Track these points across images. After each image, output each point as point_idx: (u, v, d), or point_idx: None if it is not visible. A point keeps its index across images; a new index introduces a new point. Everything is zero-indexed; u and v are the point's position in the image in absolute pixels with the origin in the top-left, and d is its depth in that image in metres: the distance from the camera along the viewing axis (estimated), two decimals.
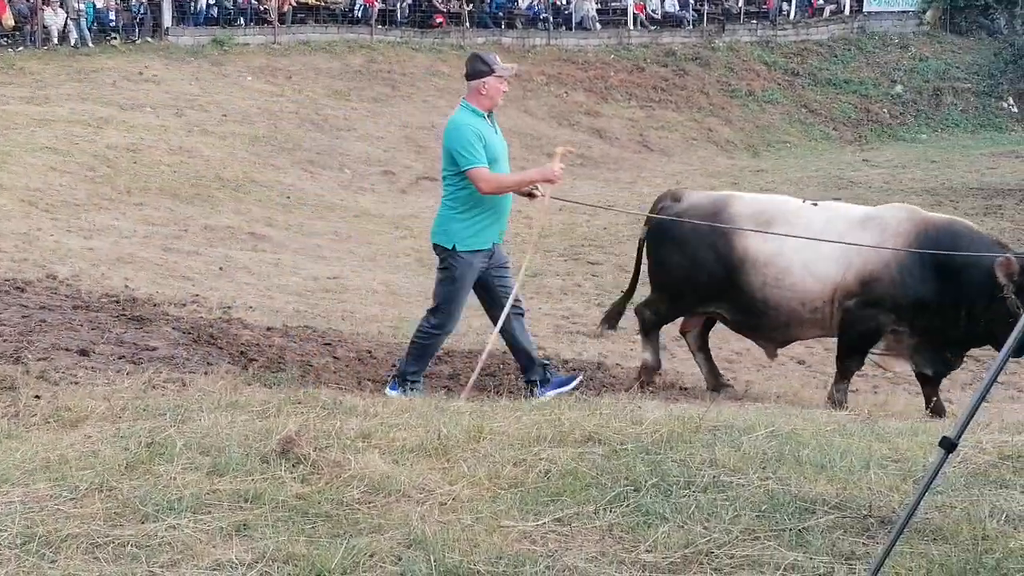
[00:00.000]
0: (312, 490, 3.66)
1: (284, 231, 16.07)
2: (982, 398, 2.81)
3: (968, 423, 2.78)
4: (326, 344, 8.24)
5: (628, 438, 4.30)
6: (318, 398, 4.94)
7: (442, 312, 6.37)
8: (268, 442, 4.04)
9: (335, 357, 7.66)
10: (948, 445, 2.75)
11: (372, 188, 20.68)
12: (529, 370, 6.64)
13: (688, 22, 32.73)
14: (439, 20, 30.14)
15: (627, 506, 3.55)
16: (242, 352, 7.34)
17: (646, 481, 3.75)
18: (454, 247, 6.21)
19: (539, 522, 3.43)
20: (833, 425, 4.80)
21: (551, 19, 31.31)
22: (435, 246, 6.38)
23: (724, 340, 11.60)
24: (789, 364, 11.05)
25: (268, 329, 8.53)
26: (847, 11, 34.07)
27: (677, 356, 10.95)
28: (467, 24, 30.39)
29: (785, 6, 33.89)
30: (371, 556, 3.14)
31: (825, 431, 4.59)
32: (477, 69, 6.25)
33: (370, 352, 8.16)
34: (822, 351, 11.56)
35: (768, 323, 7.38)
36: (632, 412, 4.82)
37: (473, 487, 3.75)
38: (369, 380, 6.92)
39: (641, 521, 3.43)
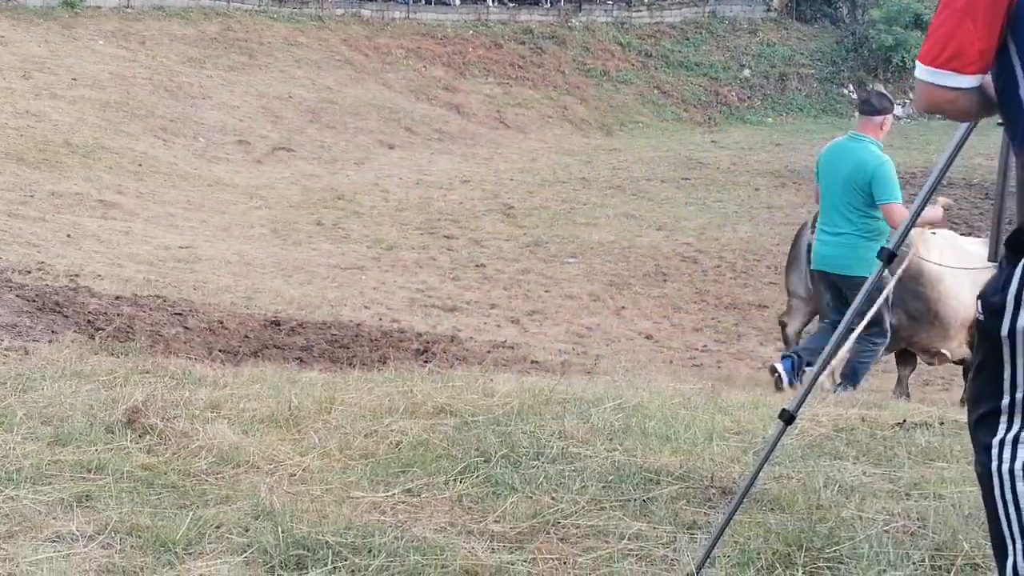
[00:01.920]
0: (158, 461, 3.58)
1: (135, 199, 15.59)
2: (820, 372, 2.93)
3: (806, 397, 2.89)
4: (177, 314, 8.06)
5: (479, 410, 4.34)
6: (167, 368, 4.83)
7: (878, 326, 6.75)
8: (114, 412, 3.94)
9: (186, 327, 7.51)
10: (787, 418, 2.84)
11: (227, 157, 20.21)
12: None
13: (546, 0, 32.92)
14: None
15: (477, 477, 3.58)
16: (89, 321, 7.12)
17: (496, 452, 3.79)
18: None
19: (389, 493, 3.44)
20: (678, 398, 4.93)
21: None
22: (847, 277, 6.63)
23: (575, 315, 11.81)
24: (637, 339, 11.32)
25: (117, 298, 8.30)
26: None
27: (529, 331, 11.09)
28: None
29: None
30: (218, 527, 3.09)
31: (670, 404, 4.72)
32: (884, 106, 6.62)
33: (222, 322, 8.01)
34: (669, 327, 11.89)
35: None
36: (484, 384, 4.86)
37: (323, 458, 3.73)
38: (220, 351, 6.80)
39: (490, 492, 3.47)
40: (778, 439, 2.89)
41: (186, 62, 24.80)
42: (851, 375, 6.91)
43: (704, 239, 15.95)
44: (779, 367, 6.94)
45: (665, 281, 13.76)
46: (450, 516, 3.29)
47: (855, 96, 31.51)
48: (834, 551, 2.95)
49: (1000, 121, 2.56)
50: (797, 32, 33.82)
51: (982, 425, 2.31)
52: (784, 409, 2.85)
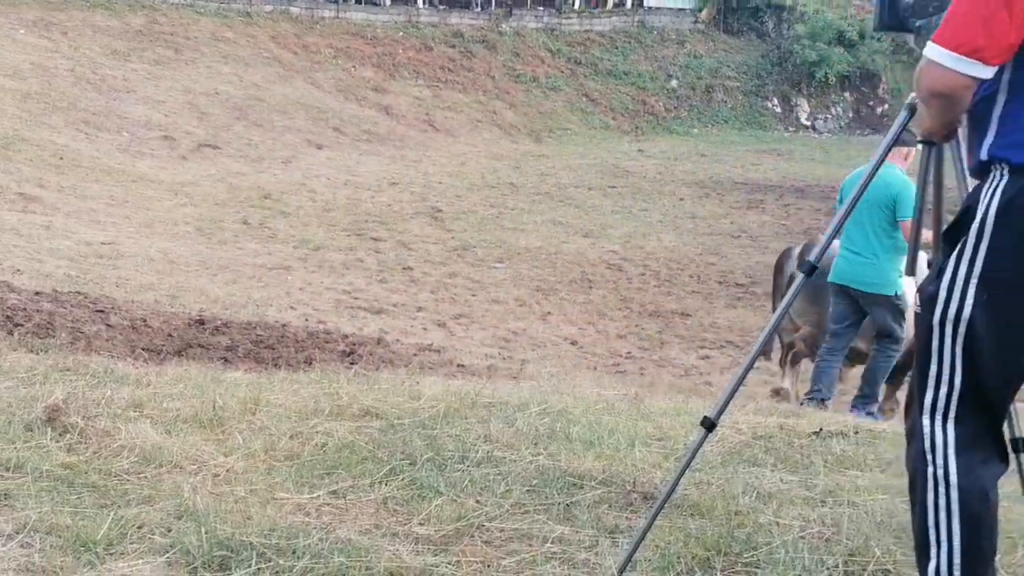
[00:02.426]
0: (79, 460, 3.53)
1: (56, 193, 15.30)
2: (741, 380, 2.99)
3: (727, 404, 2.95)
4: (99, 311, 7.94)
5: (405, 413, 4.35)
6: (88, 366, 4.76)
7: (891, 337, 7.18)
8: (33, 410, 3.87)
9: (108, 325, 7.39)
10: (708, 425, 2.90)
11: (151, 153, 19.91)
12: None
13: (476, 4, 32.97)
14: None
15: (402, 480, 3.59)
16: (8, 317, 6.98)
17: (422, 455, 3.80)
18: (896, 294, 7.02)
19: (314, 495, 3.44)
20: (602, 404, 4.98)
21: None
22: (868, 294, 7.11)
23: (502, 320, 11.86)
24: (563, 345, 11.40)
25: (36, 294, 8.14)
26: (629, 4, 35.11)
27: (456, 334, 11.11)
28: None
29: None
30: (139, 527, 3.07)
31: (595, 409, 4.77)
32: (908, 139, 6.66)
33: (145, 320, 7.91)
34: (593, 333, 12.00)
35: None
36: (410, 387, 4.87)
37: (248, 459, 3.71)
38: (143, 349, 6.71)
39: (415, 494, 3.48)
40: (699, 446, 2.95)
41: (110, 54, 24.39)
42: (870, 383, 7.35)
43: (629, 247, 16.12)
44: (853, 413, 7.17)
45: (591, 288, 13.88)
46: (375, 518, 3.30)
47: (779, 110, 32.05)
48: (751, 556, 3.02)
49: (921, 139, 2.65)
50: (724, 44, 34.31)
51: (918, 428, 2.37)
52: (706, 416, 2.91)
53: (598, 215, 18.39)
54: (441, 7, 32.30)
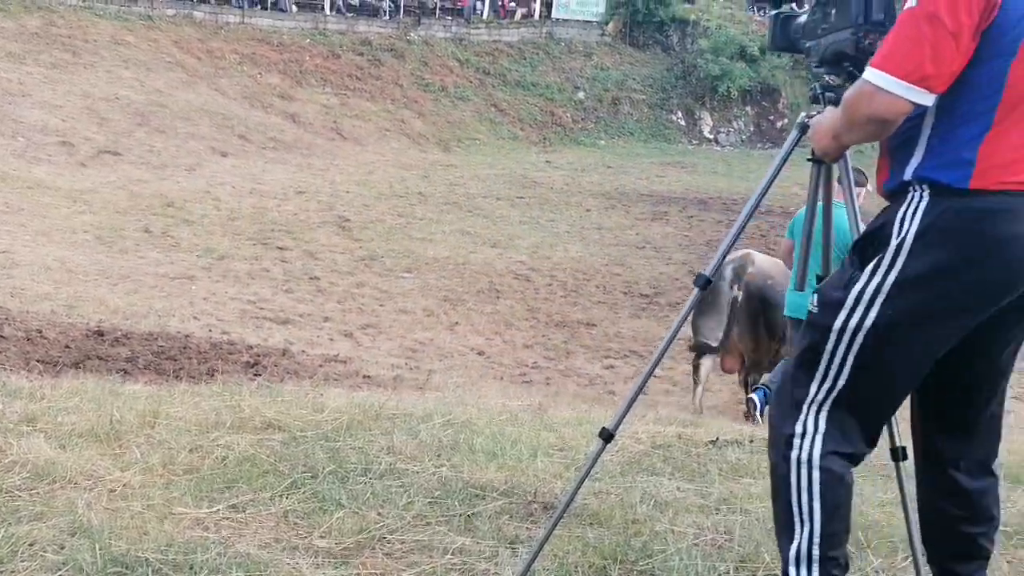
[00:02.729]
0: None
1: None
2: (639, 391, 3.04)
3: (626, 414, 3.00)
4: None
5: (308, 425, 4.32)
6: None
7: None
8: None
9: (1, 336, 7.20)
10: (607, 435, 2.94)
11: (48, 159, 19.41)
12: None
13: (385, 12, 32.88)
14: None
15: (304, 493, 3.58)
16: None
17: (324, 468, 3.79)
18: None
19: (213, 509, 3.40)
20: (506, 415, 5.02)
21: None
22: None
23: (409, 330, 11.83)
24: (470, 355, 11.43)
25: None
26: (537, 16, 35.38)
27: (363, 345, 11.06)
28: None
29: (479, 5, 34.74)
30: (31, 544, 3.00)
31: (499, 420, 4.80)
32: (860, 181, 6.81)
33: (40, 332, 7.72)
34: (500, 343, 12.05)
35: None
36: (313, 399, 4.84)
37: (145, 474, 3.65)
38: (38, 361, 6.55)
39: (317, 507, 3.47)
40: (597, 457, 2.99)
41: (4, 57, 23.75)
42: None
43: (536, 257, 16.22)
44: (755, 397, 7.55)
45: (498, 298, 13.94)
46: (275, 532, 3.28)
47: (683, 123, 32.56)
48: (647, 564, 3.08)
49: (811, 156, 2.72)
50: (630, 57, 34.74)
51: (788, 416, 2.45)
52: (604, 428, 2.95)
53: (506, 225, 18.48)
54: (349, 14, 32.14)
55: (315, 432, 4.23)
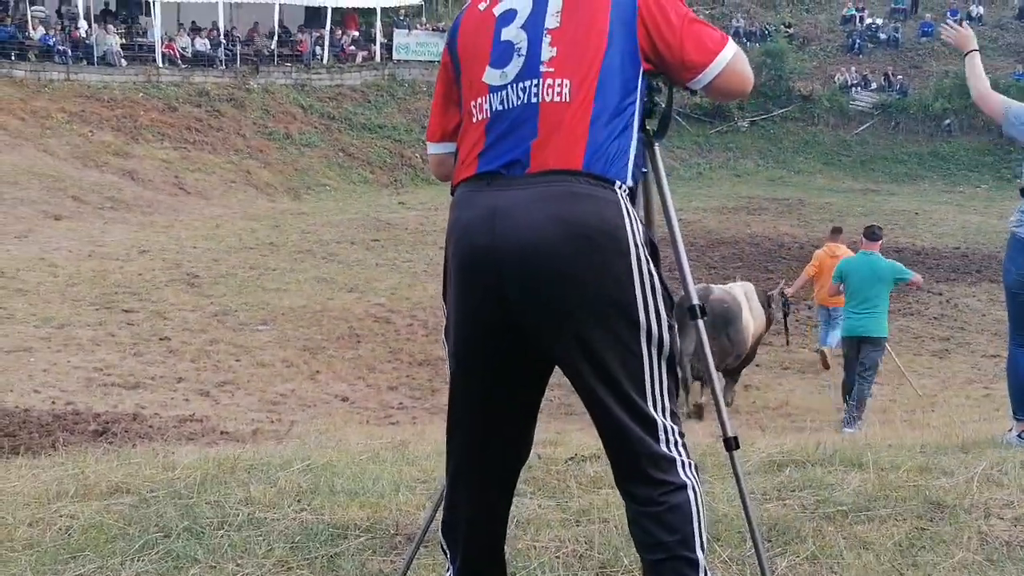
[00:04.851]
0: None
1: None
2: None
3: None
4: None
5: (159, 484, 4.18)
6: None
7: (874, 370, 10.00)
8: None
9: None
10: None
11: None
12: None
13: (221, 62, 32.41)
14: None
15: (156, 553, 3.44)
16: None
17: (177, 526, 3.66)
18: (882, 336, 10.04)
19: None
20: (368, 454, 4.96)
21: (70, 52, 29.53)
22: (874, 339, 9.84)
23: (269, 383, 11.59)
24: (334, 402, 11.28)
25: None
26: (378, 58, 35.43)
27: (220, 402, 10.80)
28: None
29: (319, 50, 34.61)
30: None
31: (359, 460, 4.73)
32: (881, 235, 10.22)
33: None
34: (364, 388, 11.92)
35: None
36: (164, 459, 4.69)
37: None
38: None
39: (171, 567, 3.35)
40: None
41: None
42: (859, 404, 9.68)
43: (395, 298, 16.15)
44: (848, 430, 8.74)
45: (359, 343, 13.81)
46: None
47: None
48: None
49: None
50: None
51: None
52: None
53: (362, 269, 18.35)
54: (183, 66, 31.53)
55: (167, 491, 4.09)
